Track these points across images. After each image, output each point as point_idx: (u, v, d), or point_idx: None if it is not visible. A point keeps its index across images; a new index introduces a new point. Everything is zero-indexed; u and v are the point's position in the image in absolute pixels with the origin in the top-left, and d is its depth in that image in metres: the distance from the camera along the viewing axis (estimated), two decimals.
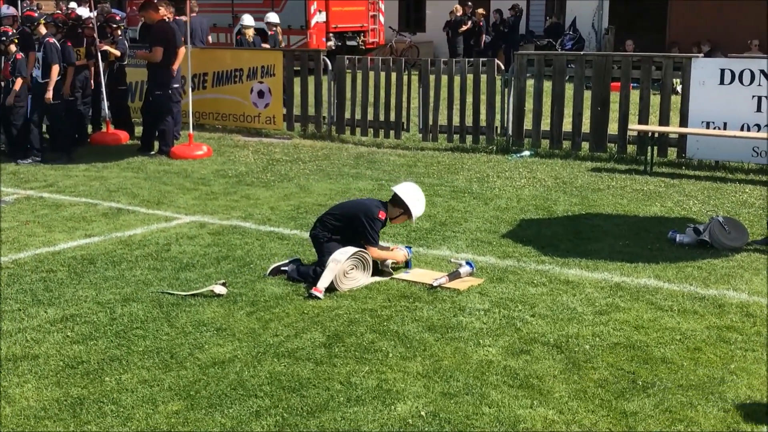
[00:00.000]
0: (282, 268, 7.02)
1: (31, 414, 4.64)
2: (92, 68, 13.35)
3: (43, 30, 12.09)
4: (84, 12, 15.50)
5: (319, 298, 6.36)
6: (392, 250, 7.23)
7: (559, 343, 5.63)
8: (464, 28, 25.00)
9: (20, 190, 10.36)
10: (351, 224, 6.96)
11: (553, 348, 5.57)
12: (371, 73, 13.61)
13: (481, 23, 25.28)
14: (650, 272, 7.13)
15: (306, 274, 6.77)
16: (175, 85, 12.71)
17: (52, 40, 11.97)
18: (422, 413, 4.66)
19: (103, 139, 13.57)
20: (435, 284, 6.67)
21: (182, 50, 12.78)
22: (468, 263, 7.07)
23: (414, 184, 7.50)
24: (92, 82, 13.37)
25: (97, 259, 7.50)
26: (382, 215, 7.03)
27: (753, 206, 9.27)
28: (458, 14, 25.17)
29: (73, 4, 18.88)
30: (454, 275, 6.85)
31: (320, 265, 6.71)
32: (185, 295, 6.51)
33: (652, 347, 5.56)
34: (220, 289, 6.53)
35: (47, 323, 5.99)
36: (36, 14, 13.25)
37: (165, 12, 12.58)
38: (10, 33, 12.02)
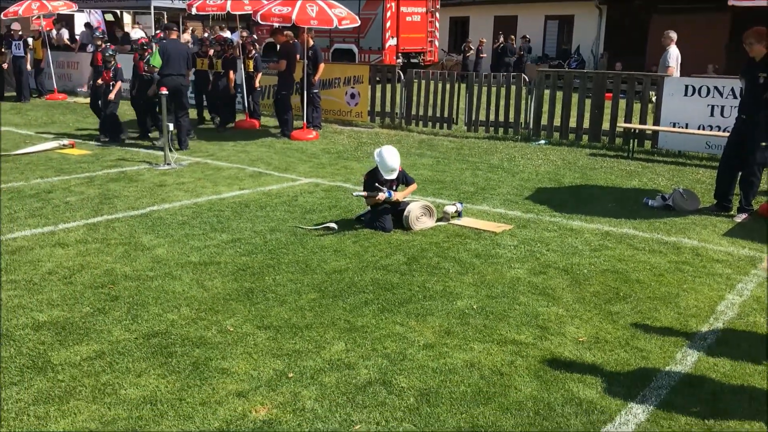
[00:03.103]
0: (361, 218, 7.13)
1: (220, 297, 5.02)
2: (232, 76, 13.45)
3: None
4: (231, 36, 15.84)
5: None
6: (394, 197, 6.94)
7: (566, 268, 5.79)
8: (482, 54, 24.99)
9: (191, 157, 10.67)
10: None
11: (562, 271, 5.73)
12: (431, 82, 13.65)
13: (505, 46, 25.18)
14: (630, 225, 7.19)
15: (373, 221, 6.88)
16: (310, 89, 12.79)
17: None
18: (474, 307, 4.92)
19: (244, 125, 13.85)
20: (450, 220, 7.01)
21: (321, 65, 12.88)
22: (458, 203, 7.30)
23: (386, 146, 7.17)
24: (232, 86, 13.45)
25: (249, 204, 7.78)
26: (366, 177, 7.08)
27: (704, 183, 9.25)
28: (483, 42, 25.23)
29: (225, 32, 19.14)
30: (445, 213, 7.11)
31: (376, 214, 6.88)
32: (311, 229, 6.76)
33: (630, 273, 5.71)
34: (333, 226, 6.82)
35: (223, 243, 6.28)
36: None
37: (288, 36, 12.91)
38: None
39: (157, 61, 10.96)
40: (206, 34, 16.79)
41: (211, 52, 13.78)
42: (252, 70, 13.60)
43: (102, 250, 6.08)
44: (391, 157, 6.93)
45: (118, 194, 8.17)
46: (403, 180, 7.17)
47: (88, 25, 23.60)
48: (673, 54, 12.41)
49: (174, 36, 11.48)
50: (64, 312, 4.74)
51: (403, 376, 3.93)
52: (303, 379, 3.87)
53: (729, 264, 5.99)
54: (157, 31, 16.76)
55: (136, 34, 16.65)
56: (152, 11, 18.57)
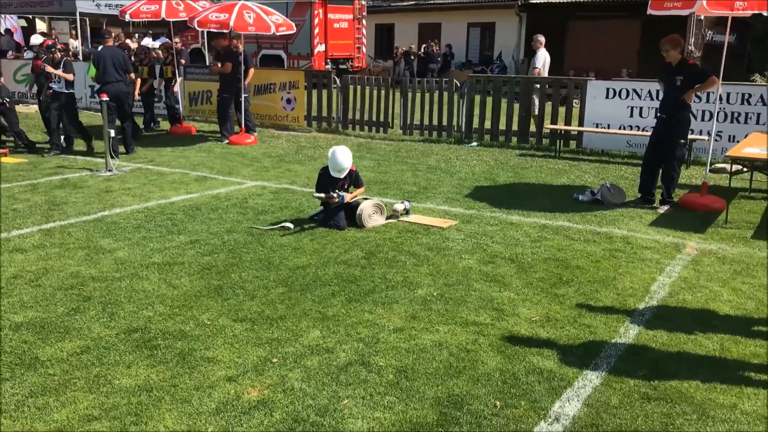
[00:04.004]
0: (314, 217, 7.37)
1: (191, 294, 5.20)
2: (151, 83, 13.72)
3: (57, 55, 11.30)
4: (155, 42, 15.67)
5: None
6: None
7: (512, 257, 6.20)
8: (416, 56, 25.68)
9: (132, 163, 10.65)
10: None
11: (508, 260, 6.13)
12: (367, 87, 13.99)
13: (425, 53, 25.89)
14: (564, 218, 7.64)
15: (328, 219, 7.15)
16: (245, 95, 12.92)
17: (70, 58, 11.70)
18: (434, 294, 5.27)
19: (179, 130, 13.84)
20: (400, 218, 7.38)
21: (252, 70, 12.99)
22: (406, 201, 7.65)
23: (339, 147, 7.36)
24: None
25: (200, 207, 7.90)
26: (319, 173, 7.34)
27: (628, 179, 9.86)
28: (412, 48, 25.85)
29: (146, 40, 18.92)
30: (395, 211, 7.46)
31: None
32: (267, 229, 6.97)
33: (570, 260, 6.16)
34: (289, 225, 7.03)
35: (182, 244, 6.42)
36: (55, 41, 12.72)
37: (229, 40, 12.82)
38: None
39: (92, 71, 10.97)
40: (134, 45, 16.54)
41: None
42: (170, 75, 13.72)
43: (62, 254, 6.14)
44: (342, 157, 7.19)
45: (65, 201, 8.16)
46: (354, 181, 7.45)
47: (8, 31, 22.85)
48: (541, 57, 13.47)
49: (109, 43, 11.38)
50: (39, 313, 4.83)
51: (379, 356, 4.25)
52: (287, 364, 4.14)
53: (657, 250, 6.56)
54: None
55: (37, 39, 16.13)
56: (78, 17, 18.20)
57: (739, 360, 4.30)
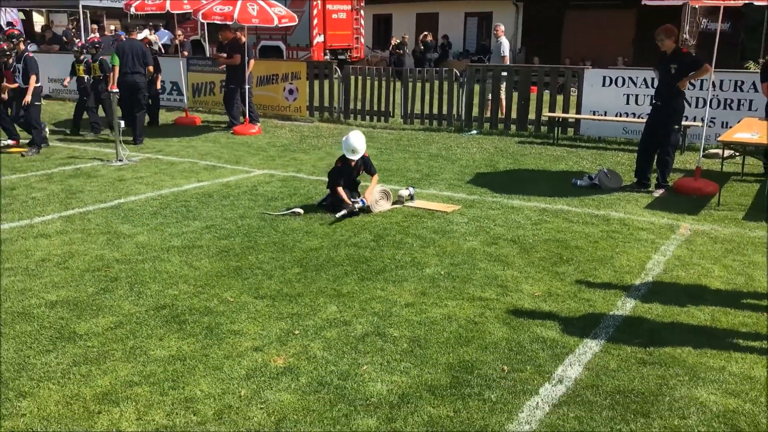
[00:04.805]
0: (322, 203, 7.59)
1: (212, 274, 5.49)
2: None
3: (21, 46, 10.85)
4: (157, 34, 15.85)
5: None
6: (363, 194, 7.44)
7: (514, 239, 6.50)
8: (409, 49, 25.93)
9: (141, 153, 10.89)
10: None
11: (511, 241, 6.43)
12: (368, 78, 14.26)
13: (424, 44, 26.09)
14: (563, 202, 7.94)
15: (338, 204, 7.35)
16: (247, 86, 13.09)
17: (31, 54, 10.98)
18: (441, 273, 5.57)
19: (184, 121, 14.09)
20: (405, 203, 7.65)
21: (252, 62, 13.13)
22: (411, 187, 7.94)
23: (354, 131, 7.59)
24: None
25: (212, 194, 8.17)
26: (338, 163, 7.53)
27: (624, 164, 10.13)
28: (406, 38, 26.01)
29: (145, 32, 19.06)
30: (400, 197, 7.75)
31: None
32: (279, 214, 7.24)
33: (569, 241, 6.46)
34: (299, 211, 7.33)
35: (198, 229, 6.70)
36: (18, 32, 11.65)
37: (235, 32, 12.95)
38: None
39: (115, 60, 11.31)
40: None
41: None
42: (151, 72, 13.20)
43: (85, 239, 6.43)
44: (356, 139, 7.43)
45: (81, 189, 8.44)
46: (367, 168, 7.70)
47: (9, 24, 23.02)
48: (506, 44, 13.88)
49: (133, 36, 11.91)
50: (70, 292, 5.13)
51: (393, 328, 4.56)
52: (308, 335, 4.44)
53: (652, 231, 6.87)
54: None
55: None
56: (80, 10, 18.41)
57: (729, 329, 4.62)
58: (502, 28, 14.50)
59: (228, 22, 12.42)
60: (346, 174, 7.55)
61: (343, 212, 7.16)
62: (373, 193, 7.50)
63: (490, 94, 13.30)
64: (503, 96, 13.36)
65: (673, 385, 3.86)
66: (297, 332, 4.48)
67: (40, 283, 5.29)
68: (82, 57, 12.62)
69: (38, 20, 32.71)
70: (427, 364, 4.07)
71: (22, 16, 28.34)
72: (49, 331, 4.47)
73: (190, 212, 7.42)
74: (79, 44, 13.03)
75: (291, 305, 4.93)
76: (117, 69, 11.58)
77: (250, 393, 3.73)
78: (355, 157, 7.48)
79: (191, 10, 13.00)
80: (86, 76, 12.61)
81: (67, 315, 4.72)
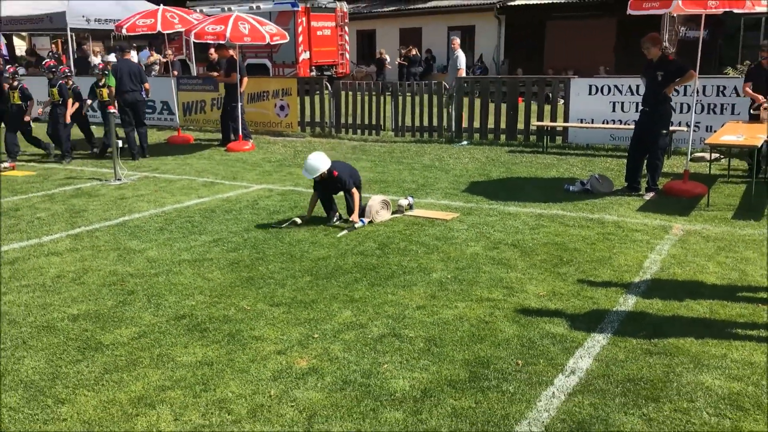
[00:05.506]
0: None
1: (226, 285, 5.65)
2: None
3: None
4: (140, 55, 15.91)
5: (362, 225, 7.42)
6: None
7: (514, 243, 6.72)
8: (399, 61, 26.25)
9: (138, 172, 11.05)
10: None
11: (511, 246, 6.65)
12: (358, 93, 14.50)
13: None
14: (558, 207, 8.17)
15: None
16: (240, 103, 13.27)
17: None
18: (448, 277, 5.77)
19: (177, 140, 14.23)
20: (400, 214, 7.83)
21: (246, 79, 13.27)
22: (409, 197, 8.17)
23: (314, 153, 7.58)
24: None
25: (214, 209, 8.34)
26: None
27: (614, 170, 10.38)
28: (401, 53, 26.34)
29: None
30: (400, 206, 7.94)
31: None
32: (283, 226, 7.42)
33: (567, 243, 6.69)
34: (297, 220, 7.50)
35: (206, 243, 6.86)
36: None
37: (233, 52, 13.14)
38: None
39: (111, 80, 11.57)
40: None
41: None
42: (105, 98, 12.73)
43: (96, 256, 6.58)
44: (314, 161, 7.39)
45: (84, 208, 8.58)
46: (347, 187, 7.58)
47: None
48: (462, 58, 14.51)
49: (127, 56, 12.37)
50: (90, 305, 5.28)
51: (408, 329, 4.75)
52: (327, 338, 4.63)
53: (646, 232, 7.12)
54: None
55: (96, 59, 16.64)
56: (69, 33, 18.55)
57: (727, 320, 4.86)
58: (458, 41, 15.55)
59: (221, 41, 12.62)
60: (320, 188, 7.62)
61: (344, 232, 7.21)
62: (374, 204, 7.65)
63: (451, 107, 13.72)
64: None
65: (679, 372, 4.08)
66: (316, 336, 4.66)
67: (59, 298, 5.44)
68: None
69: (18, 44, 32.77)
70: (444, 361, 4.26)
71: (4, 40, 28.38)
72: (76, 342, 4.62)
73: (195, 227, 7.58)
74: (46, 64, 12.83)
75: (307, 311, 5.11)
76: (113, 89, 11.83)
77: (279, 392, 3.90)
78: (308, 176, 7.44)
79: (183, 30, 13.20)
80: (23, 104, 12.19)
81: (90, 327, 4.87)
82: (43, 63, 13.39)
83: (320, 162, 7.41)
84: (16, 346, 4.56)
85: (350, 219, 7.59)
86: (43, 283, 5.80)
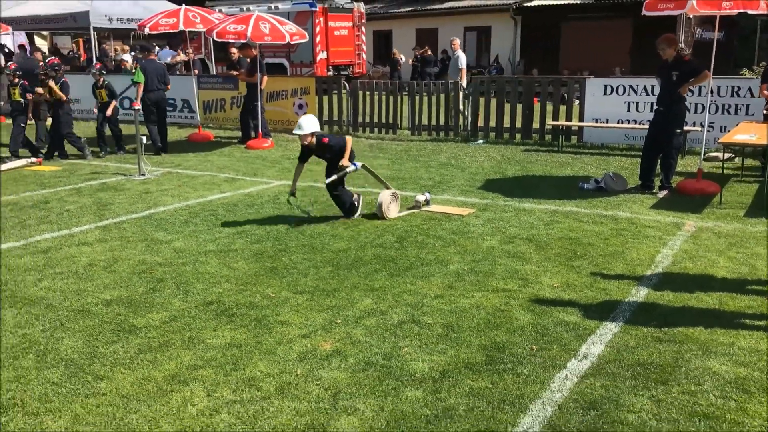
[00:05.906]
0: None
1: (251, 274, 5.88)
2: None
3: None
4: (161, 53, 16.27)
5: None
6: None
7: (529, 238, 6.89)
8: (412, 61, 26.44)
9: (161, 168, 11.32)
10: None
11: (526, 240, 6.83)
12: (375, 92, 14.71)
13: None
14: (572, 204, 8.34)
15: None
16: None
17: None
18: (465, 268, 5.95)
19: (197, 138, 14.48)
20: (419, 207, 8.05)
21: (265, 78, 13.47)
22: (426, 193, 8.31)
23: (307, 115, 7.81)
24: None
25: (237, 203, 8.58)
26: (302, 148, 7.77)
27: (627, 169, 10.50)
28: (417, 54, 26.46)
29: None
30: (417, 202, 8.15)
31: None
32: (303, 218, 7.67)
33: (582, 238, 6.85)
34: (309, 209, 7.84)
35: (230, 235, 7.09)
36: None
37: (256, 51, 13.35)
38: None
39: (140, 77, 11.87)
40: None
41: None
42: (105, 100, 12.81)
43: (125, 246, 6.83)
44: (304, 119, 7.60)
45: (111, 201, 8.84)
46: (338, 149, 7.73)
47: (21, 46, 23.52)
48: (462, 58, 14.66)
49: (152, 57, 13.02)
50: (122, 292, 5.52)
51: (426, 316, 4.95)
52: (349, 323, 4.84)
53: (659, 228, 7.28)
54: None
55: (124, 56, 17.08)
56: (92, 32, 18.92)
57: (736, 311, 5.02)
58: (458, 42, 15.77)
59: (243, 41, 12.87)
60: (308, 154, 7.79)
61: (333, 177, 7.59)
62: (384, 200, 7.74)
63: (460, 106, 13.89)
64: (462, 108, 14.00)
65: (688, 358, 4.25)
66: (339, 321, 4.87)
67: (92, 285, 5.68)
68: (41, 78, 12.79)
69: (39, 43, 33.27)
70: (462, 346, 4.46)
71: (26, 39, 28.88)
72: (110, 325, 4.85)
73: (219, 220, 7.81)
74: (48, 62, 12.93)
75: (329, 299, 5.32)
76: (141, 86, 12.14)
77: (305, 372, 4.11)
78: (297, 131, 7.52)
79: (204, 29, 13.47)
80: (22, 100, 12.38)
81: (123, 311, 5.11)
82: (93, 64, 13.98)
83: (310, 122, 7.53)
84: (55, 328, 4.81)
85: (341, 164, 7.61)
86: (76, 271, 6.05)
